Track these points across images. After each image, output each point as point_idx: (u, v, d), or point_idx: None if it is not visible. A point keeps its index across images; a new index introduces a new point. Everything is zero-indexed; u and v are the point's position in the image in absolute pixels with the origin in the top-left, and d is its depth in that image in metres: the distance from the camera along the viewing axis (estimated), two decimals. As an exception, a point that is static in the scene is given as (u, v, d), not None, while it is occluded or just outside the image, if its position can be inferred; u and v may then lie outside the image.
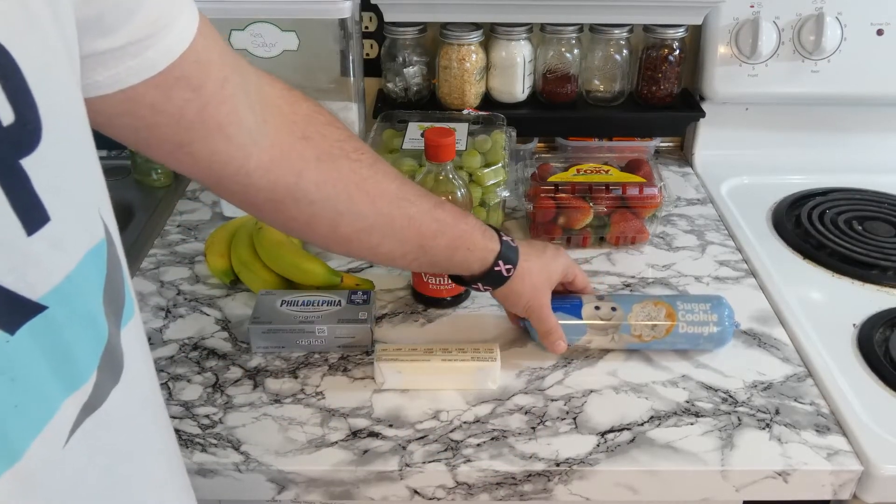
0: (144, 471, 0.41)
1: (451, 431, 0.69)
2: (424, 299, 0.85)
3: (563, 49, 1.08)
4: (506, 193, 0.90)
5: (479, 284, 0.71)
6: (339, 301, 0.79)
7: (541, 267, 0.72)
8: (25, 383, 0.31)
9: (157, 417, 0.43)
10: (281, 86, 0.57)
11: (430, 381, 0.73)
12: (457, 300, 0.85)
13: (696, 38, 1.12)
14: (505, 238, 0.70)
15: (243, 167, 0.52)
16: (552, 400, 0.72)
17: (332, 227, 0.60)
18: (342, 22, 0.92)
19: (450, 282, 0.82)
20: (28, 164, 0.30)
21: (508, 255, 0.69)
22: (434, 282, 0.82)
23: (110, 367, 0.36)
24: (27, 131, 0.30)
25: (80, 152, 0.35)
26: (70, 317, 0.33)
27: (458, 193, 0.79)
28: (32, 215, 0.30)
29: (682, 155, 1.22)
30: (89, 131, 0.36)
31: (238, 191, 0.54)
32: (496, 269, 0.69)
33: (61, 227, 0.32)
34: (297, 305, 0.78)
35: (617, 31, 1.07)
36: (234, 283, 0.89)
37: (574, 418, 0.70)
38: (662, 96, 1.11)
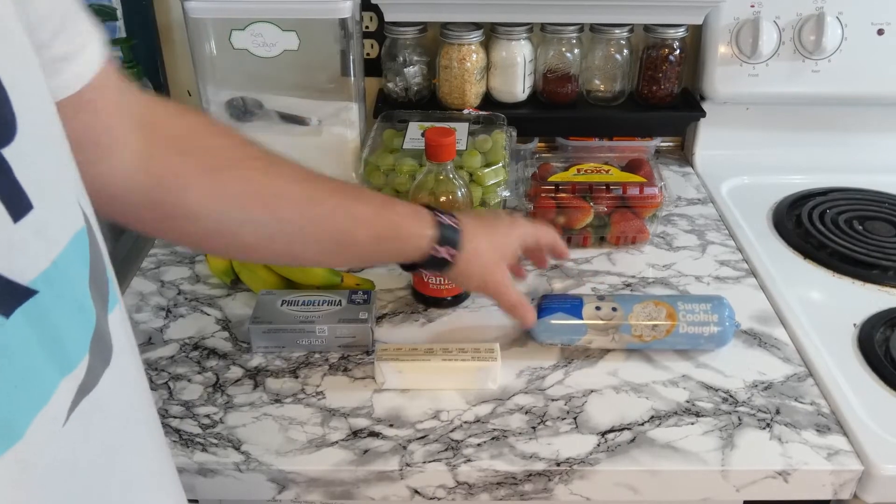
0: (138, 449, 0.43)
1: (452, 431, 0.69)
2: (425, 299, 0.85)
3: (563, 49, 1.08)
4: (506, 193, 0.91)
5: (423, 271, 0.70)
6: (340, 301, 0.79)
7: (491, 246, 0.70)
8: (23, 365, 0.32)
9: (144, 401, 0.44)
10: (165, 104, 0.57)
11: (431, 380, 0.73)
12: (457, 300, 0.85)
13: (696, 37, 1.12)
14: (445, 221, 0.67)
15: (129, 188, 0.52)
16: (552, 400, 0.73)
17: (232, 238, 0.59)
18: (342, 22, 0.92)
19: (451, 282, 0.82)
20: (7, 153, 0.31)
21: (449, 237, 0.67)
22: (434, 281, 0.82)
23: (100, 350, 0.37)
24: (3, 123, 0.31)
25: (55, 145, 0.36)
26: (59, 301, 0.34)
27: (459, 193, 0.79)
28: (17, 203, 0.31)
29: (683, 155, 1.22)
30: (61, 127, 0.37)
31: (128, 212, 0.55)
32: (433, 254, 0.66)
33: (44, 215, 0.33)
34: (297, 305, 0.78)
35: (617, 30, 1.07)
36: (235, 283, 0.89)
37: (574, 418, 0.70)
38: (663, 96, 1.11)
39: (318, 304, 0.78)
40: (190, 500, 0.70)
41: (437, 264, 0.68)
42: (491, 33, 1.08)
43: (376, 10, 1.03)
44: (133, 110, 0.52)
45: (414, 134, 0.94)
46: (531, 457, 0.66)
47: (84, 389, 0.35)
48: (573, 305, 0.76)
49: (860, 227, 0.98)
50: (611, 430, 0.69)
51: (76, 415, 0.35)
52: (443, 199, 0.79)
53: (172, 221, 0.56)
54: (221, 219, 0.57)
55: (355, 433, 0.69)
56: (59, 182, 0.36)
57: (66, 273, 0.34)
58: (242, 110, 0.99)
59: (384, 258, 0.69)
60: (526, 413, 0.71)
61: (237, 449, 0.67)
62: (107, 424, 0.38)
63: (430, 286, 0.83)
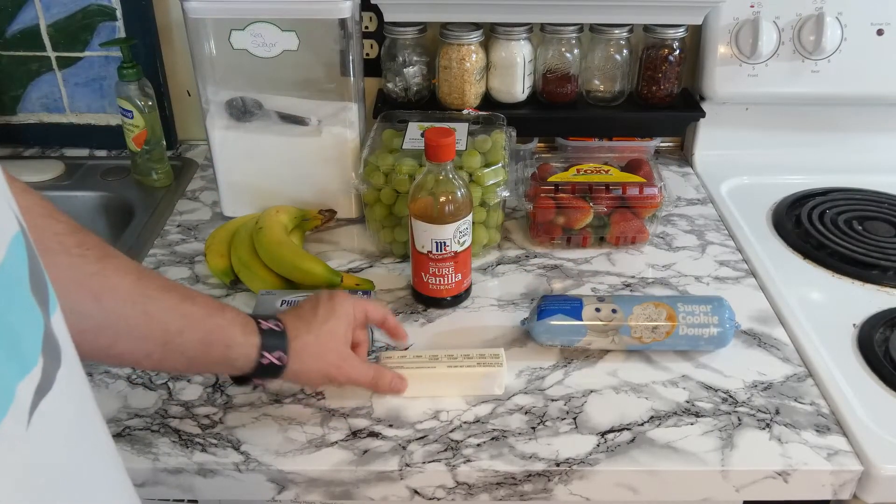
0: (97, 452, 0.43)
1: (451, 431, 0.69)
2: (424, 299, 0.85)
3: (563, 49, 1.08)
4: (506, 193, 0.90)
5: (258, 381, 0.66)
6: None
7: (316, 338, 0.66)
8: None
9: (94, 403, 0.44)
10: (11, 180, 0.53)
11: (436, 388, 0.73)
12: (457, 300, 0.85)
13: (696, 38, 1.12)
14: (265, 326, 0.64)
15: None
16: (552, 400, 0.72)
17: None
18: (342, 22, 0.92)
19: (451, 282, 0.82)
20: None
21: (273, 342, 0.63)
22: (434, 282, 0.82)
23: (51, 351, 0.37)
24: None
25: None
26: (10, 304, 0.34)
27: (458, 193, 0.79)
28: None
29: (682, 155, 1.22)
30: None
31: None
32: (264, 362, 0.63)
33: None
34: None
35: (617, 30, 1.07)
36: (234, 283, 0.89)
37: (574, 418, 0.70)
38: (662, 96, 1.11)
39: None
40: (189, 501, 0.70)
41: (270, 372, 0.64)
42: (490, 33, 1.08)
43: (376, 10, 1.03)
44: None
45: (413, 134, 0.94)
46: (531, 457, 0.66)
47: (42, 390, 0.35)
48: (573, 307, 0.76)
49: (860, 228, 0.98)
50: (610, 431, 0.69)
51: (37, 416, 0.35)
52: (442, 199, 0.79)
53: None
54: None
55: (355, 433, 0.69)
56: None
57: (11, 276, 0.34)
58: (242, 110, 0.99)
59: (212, 366, 0.65)
60: (525, 413, 0.71)
61: (237, 449, 0.67)
62: (66, 425, 0.39)
63: (430, 286, 0.83)
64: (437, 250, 0.80)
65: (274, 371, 0.64)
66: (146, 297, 0.58)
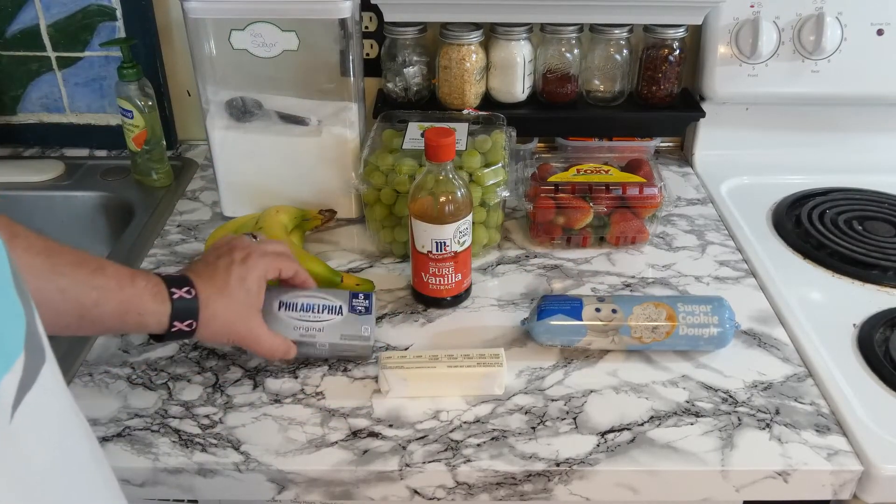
0: (82, 445, 0.43)
1: (452, 431, 0.69)
2: (424, 299, 0.85)
3: (563, 49, 1.08)
4: (506, 193, 0.90)
5: (168, 342, 0.68)
6: (340, 308, 0.76)
7: (227, 303, 0.68)
8: None
9: (75, 404, 0.44)
10: None
11: (436, 387, 0.73)
12: (457, 300, 0.85)
13: (696, 38, 1.12)
14: (177, 295, 0.65)
15: None
16: (552, 400, 0.73)
17: None
18: (342, 22, 0.92)
19: (451, 282, 0.82)
20: None
21: (184, 311, 0.65)
22: (434, 282, 0.82)
23: (35, 347, 0.38)
24: None
25: None
26: None
27: (458, 193, 0.79)
28: None
29: (682, 155, 1.22)
30: None
31: None
32: (173, 330, 0.65)
33: None
34: (295, 310, 0.75)
35: (617, 30, 1.07)
36: (234, 283, 0.88)
37: (574, 418, 0.70)
38: (662, 96, 1.11)
39: (318, 311, 0.75)
40: (189, 501, 0.70)
41: (179, 336, 0.67)
42: (490, 33, 1.08)
43: (376, 10, 1.03)
44: None
45: (413, 134, 0.94)
46: (531, 457, 0.66)
47: (24, 386, 0.36)
48: (573, 307, 0.76)
49: (860, 227, 0.98)
50: (610, 431, 0.69)
51: (21, 411, 0.35)
52: (442, 199, 0.79)
53: None
54: None
55: (355, 433, 0.69)
56: None
57: None
58: (242, 110, 0.99)
59: (128, 331, 0.68)
60: (525, 413, 0.71)
61: (237, 449, 0.67)
62: (50, 422, 0.39)
63: (430, 286, 0.83)
64: (437, 250, 0.80)
65: (182, 336, 0.67)
66: (58, 275, 0.59)
